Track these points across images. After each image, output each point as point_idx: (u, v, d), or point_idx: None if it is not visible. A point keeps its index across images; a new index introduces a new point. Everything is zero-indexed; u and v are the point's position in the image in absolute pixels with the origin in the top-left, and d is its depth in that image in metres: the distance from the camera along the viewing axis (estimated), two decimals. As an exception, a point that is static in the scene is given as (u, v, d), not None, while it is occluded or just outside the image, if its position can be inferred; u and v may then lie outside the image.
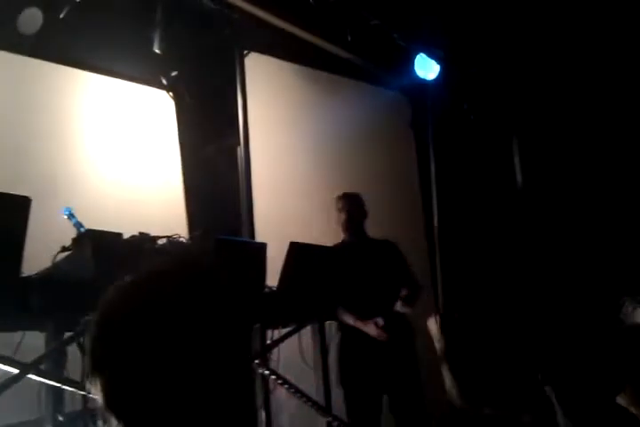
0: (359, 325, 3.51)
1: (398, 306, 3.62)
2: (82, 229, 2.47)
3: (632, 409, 1.24)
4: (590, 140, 5.06)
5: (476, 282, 5.20)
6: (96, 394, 0.81)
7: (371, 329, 3.47)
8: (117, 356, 0.79)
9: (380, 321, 3.46)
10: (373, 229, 3.99)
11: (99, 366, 0.80)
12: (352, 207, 3.79)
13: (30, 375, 1.99)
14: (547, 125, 5.23)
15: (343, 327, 3.60)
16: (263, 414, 3.28)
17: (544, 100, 5.17)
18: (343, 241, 3.82)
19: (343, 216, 3.78)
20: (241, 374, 0.85)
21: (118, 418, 0.79)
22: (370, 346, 3.50)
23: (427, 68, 4.77)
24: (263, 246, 3.06)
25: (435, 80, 4.88)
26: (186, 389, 0.79)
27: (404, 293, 3.66)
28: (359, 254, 3.74)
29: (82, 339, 2.06)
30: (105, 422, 0.80)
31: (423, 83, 4.92)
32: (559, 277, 4.87)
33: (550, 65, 5.04)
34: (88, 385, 0.82)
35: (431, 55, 4.74)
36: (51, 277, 2.08)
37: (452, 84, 5.11)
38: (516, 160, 5.37)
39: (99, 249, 2.04)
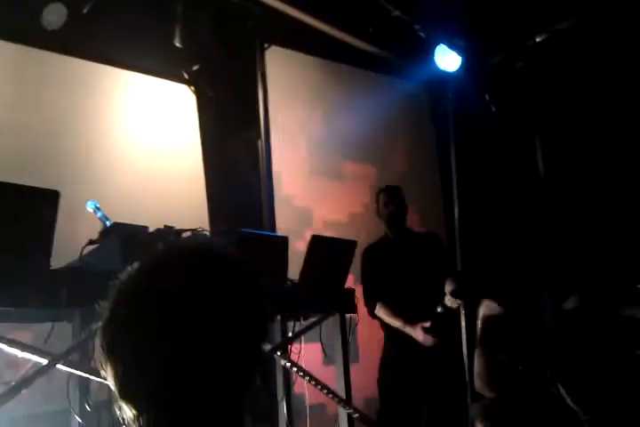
0: (408, 330, 3.40)
1: (448, 301, 3.36)
2: (107, 223, 2.52)
3: None
4: (613, 133, 4.99)
5: (496, 274, 5.17)
6: (109, 382, 0.79)
7: (419, 335, 3.36)
8: (129, 342, 0.78)
9: (427, 325, 3.32)
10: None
11: (110, 352, 0.79)
12: (397, 201, 3.63)
13: (59, 366, 2.03)
14: (569, 117, 5.17)
15: (388, 329, 3.53)
16: (284, 406, 3.32)
17: (567, 91, 5.11)
18: (387, 236, 3.69)
19: (389, 210, 3.61)
20: (257, 364, 0.82)
21: (132, 405, 0.78)
22: (416, 350, 3.42)
23: (448, 59, 4.73)
24: (285, 240, 3.08)
25: (456, 71, 4.84)
26: (199, 374, 0.77)
27: (450, 287, 3.35)
28: (406, 251, 3.61)
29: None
30: (119, 409, 0.79)
31: (444, 74, 4.88)
32: (580, 269, 4.83)
33: (574, 56, 4.97)
34: (102, 373, 0.80)
35: (452, 46, 4.70)
36: (78, 270, 2.11)
37: (474, 76, 5.06)
38: (539, 152, 5.32)
39: (126, 242, 2.07)
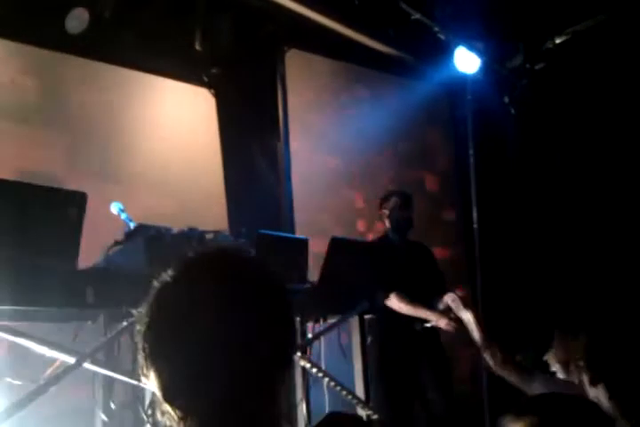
0: (430, 315, 3.45)
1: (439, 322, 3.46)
2: (131, 224, 2.55)
3: None
4: (636, 135, 4.95)
5: (514, 280, 5.15)
6: (151, 386, 0.80)
7: (442, 321, 3.41)
8: (171, 346, 0.79)
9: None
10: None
11: (153, 356, 0.80)
12: (412, 208, 3.71)
13: (85, 365, 2.07)
14: (589, 119, 5.13)
15: (388, 324, 3.57)
16: (304, 407, 3.33)
17: (587, 92, 5.07)
18: (387, 237, 3.75)
19: (404, 215, 3.66)
20: (289, 367, 0.84)
21: (176, 408, 0.78)
22: (412, 348, 3.51)
23: (467, 61, 4.73)
24: (305, 241, 3.10)
25: (475, 74, 4.84)
26: (241, 377, 0.78)
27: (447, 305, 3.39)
28: (405, 255, 3.69)
29: (134, 330, 2.13)
30: (153, 412, 0.81)
31: (463, 77, 4.88)
32: (600, 274, 4.79)
33: (594, 57, 4.94)
34: (142, 376, 0.82)
35: (471, 49, 4.70)
36: (104, 271, 2.15)
37: (493, 78, 5.05)
38: (559, 155, 5.29)
39: (150, 243, 2.10)
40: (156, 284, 0.83)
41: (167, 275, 0.83)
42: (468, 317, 2.57)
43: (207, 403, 0.78)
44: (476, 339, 2.41)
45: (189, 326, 0.79)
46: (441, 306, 3.48)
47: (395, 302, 3.52)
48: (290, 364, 0.85)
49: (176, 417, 0.79)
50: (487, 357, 2.21)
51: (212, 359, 0.78)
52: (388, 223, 3.73)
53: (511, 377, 2.06)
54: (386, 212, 3.71)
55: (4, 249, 1.88)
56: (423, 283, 3.63)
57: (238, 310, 0.80)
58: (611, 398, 1.14)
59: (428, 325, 3.51)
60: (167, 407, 0.79)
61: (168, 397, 0.79)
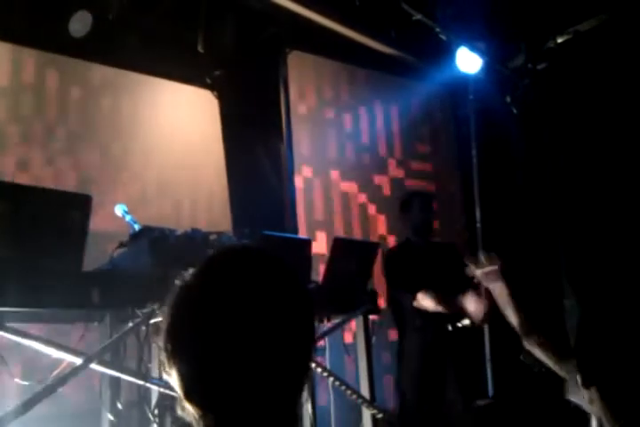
0: (463, 302, 3.36)
1: (466, 320, 3.44)
2: (135, 226, 2.57)
3: None
4: (636, 137, 4.95)
5: (519, 281, 5.14)
6: (173, 383, 0.81)
7: (470, 305, 3.33)
8: (193, 344, 0.79)
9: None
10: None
11: (174, 354, 0.80)
12: (432, 209, 3.64)
13: (92, 365, 2.09)
14: (592, 119, 5.13)
15: (410, 325, 3.54)
16: (309, 406, 3.34)
17: (590, 92, 5.07)
18: (410, 241, 3.68)
19: (424, 216, 3.59)
20: (309, 366, 0.84)
21: (196, 406, 0.79)
22: (440, 347, 3.47)
23: (469, 61, 4.74)
24: (308, 242, 3.12)
25: (477, 74, 4.85)
26: (261, 376, 0.78)
27: (472, 307, 3.38)
28: (428, 258, 3.61)
29: (142, 329, 2.15)
30: (183, 409, 0.80)
31: (465, 77, 4.89)
32: (604, 274, 4.78)
33: (596, 57, 4.94)
34: (165, 375, 0.82)
35: (473, 49, 4.71)
36: (109, 272, 2.17)
37: (495, 78, 5.06)
38: (561, 154, 5.29)
39: (155, 244, 2.12)
40: (177, 282, 0.83)
41: (189, 273, 0.84)
42: (499, 289, 2.15)
43: (226, 402, 0.79)
44: (512, 319, 2.00)
45: (211, 325, 0.79)
46: (449, 327, 3.42)
47: (426, 302, 3.43)
48: (309, 369, 0.85)
49: (196, 415, 0.79)
50: (533, 346, 1.86)
51: (233, 359, 0.78)
52: (409, 226, 3.67)
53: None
54: (406, 215, 3.65)
55: (10, 251, 1.90)
56: (447, 283, 3.50)
57: (261, 311, 0.80)
58: (602, 399, 1.14)
59: (460, 324, 3.44)
60: (187, 405, 0.80)
61: (188, 394, 0.79)
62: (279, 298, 0.82)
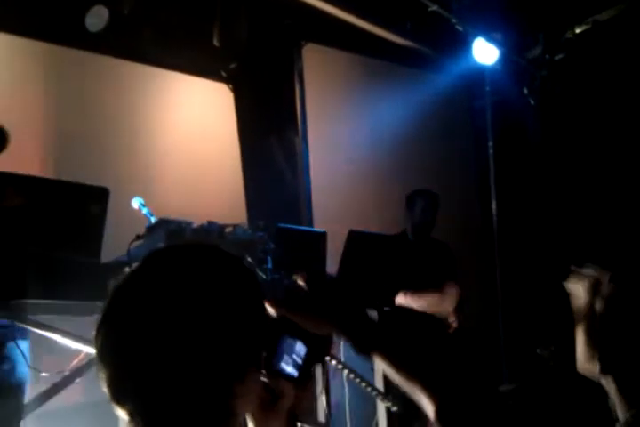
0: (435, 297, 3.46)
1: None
2: (152, 219, 2.60)
3: None
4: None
5: (535, 273, 5.12)
6: (102, 387, 0.77)
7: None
8: (116, 346, 0.76)
9: None
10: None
11: (100, 355, 0.77)
12: (435, 211, 3.68)
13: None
14: (611, 110, 5.06)
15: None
16: (324, 399, 3.36)
17: (608, 83, 5.00)
18: (405, 234, 3.73)
19: (424, 218, 3.65)
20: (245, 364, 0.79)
21: (123, 409, 0.76)
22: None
23: (485, 52, 4.69)
24: (323, 235, 3.12)
25: (493, 65, 4.80)
26: (186, 379, 0.75)
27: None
28: (418, 253, 3.66)
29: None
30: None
31: (482, 68, 4.85)
32: (627, 266, 4.73)
33: (615, 47, 4.87)
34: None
35: (490, 40, 4.66)
36: (126, 264, 2.19)
37: (512, 69, 5.01)
38: (580, 146, 5.23)
39: (171, 237, 2.14)
40: (113, 281, 0.80)
41: (126, 272, 0.80)
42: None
43: (152, 407, 0.76)
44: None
45: (137, 326, 0.76)
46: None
47: (407, 299, 3.50)
48: (246, 375, 0.78)
49: (125, 417, 0.77)
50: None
51: (160, 363, 0.75)
52: (408, 223, 3.72)
53: None
54: (408, 212, 3.70)
55: (28, 244, 1.93)
56: (425, 281, 3.57)
57: (192, 313, 0.76)
58: (617, 386, 1.13)
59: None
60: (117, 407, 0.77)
61: (115, 398, 0.76)
62: (216, 300, 0.78)
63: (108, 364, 0.76)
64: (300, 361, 0.87)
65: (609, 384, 1.14)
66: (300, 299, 0.87)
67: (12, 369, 2.11)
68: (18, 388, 2.10)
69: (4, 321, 2.05)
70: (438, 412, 0.81)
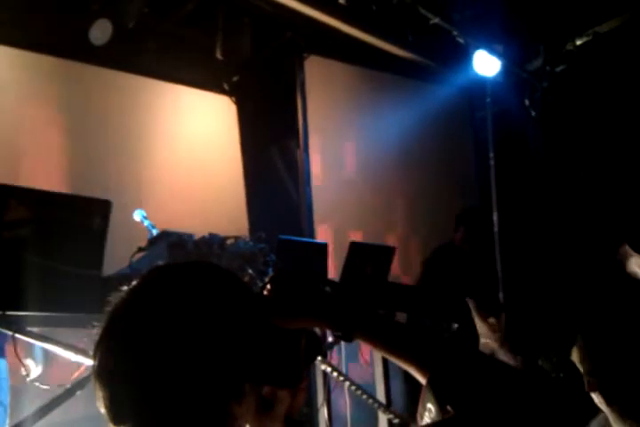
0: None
1: None
2: (153, 231, 2.61)
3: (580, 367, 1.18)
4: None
5: (537, 284, 5.10)
6: (99, 405, 0.77)
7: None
8: (112, 367, 0.75)
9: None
10: (432, 226, 3.99)
11: (97, 375, 0.76)
12: (474, 242, 3.91)
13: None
14: (611, 122, 5.07)
15: None
16: (325, 411, 3.34)
17: (609, 94, 5.02)
18: (452, 244, 3.93)
19: (464, 246, 3.90)
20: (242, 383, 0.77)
21: None
22: None
23: (486, 64, 4.72)
24: (324, 246, 3.13)
25: (495, 77, 4.82)
26: (181, 401, 0.74)
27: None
28: (467, 262, 3.87)
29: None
30: None
31: (483, 80, 4.87)
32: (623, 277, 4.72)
33: (615, 59, 4.89)
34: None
35: (491, 52, 4.69)
36: (128, 277, 2.19)
37: (513, 81, 5.03)
38: (580, 157, 5.23)
39: (173, 249, 2.14)
40: (111, 299, 0.80)
41: (124, 290, 0.80)
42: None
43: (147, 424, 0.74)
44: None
45: (134, 347, 0.75)
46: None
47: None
48: (243, 393, 0.77)
49: None
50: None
51: (157, 384, 0.74)
52: (461, 240, 3.93)
53: None
54: (458, 235, 3.91)
55: (30, 256, 1.93)
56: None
57: (190, 333, 0.76)
58: (609, 404, 1.13)
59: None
60: None
61: (114, 419, 0.75)
62: (209, 320, 0.77)
63: (107, 384, 0.76)
64: None
65: (598, 399, 1.13)
66: (271, 301, 0.86)
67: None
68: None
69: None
70: (430, 381, 0.81)
